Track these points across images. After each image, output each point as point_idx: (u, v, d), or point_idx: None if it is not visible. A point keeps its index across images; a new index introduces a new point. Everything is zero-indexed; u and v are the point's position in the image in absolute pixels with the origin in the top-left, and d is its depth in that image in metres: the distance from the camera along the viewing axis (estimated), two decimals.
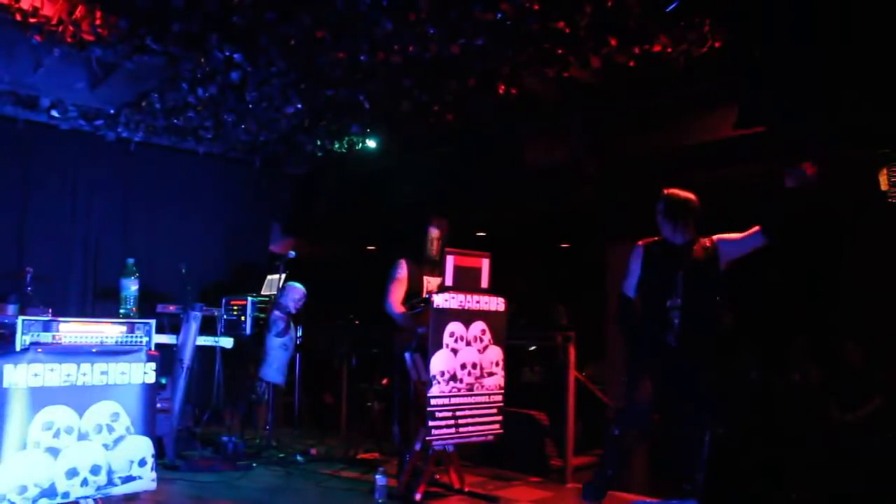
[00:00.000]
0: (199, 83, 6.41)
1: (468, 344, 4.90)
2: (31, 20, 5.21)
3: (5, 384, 3.99)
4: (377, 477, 4.87)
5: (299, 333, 7.16)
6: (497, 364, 5.09)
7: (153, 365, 4.49)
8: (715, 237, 4.58)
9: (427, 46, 5.54)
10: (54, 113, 7.36)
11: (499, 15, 5.11)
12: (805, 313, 7.02)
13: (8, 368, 4.01)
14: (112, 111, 7.41)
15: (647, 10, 5.06)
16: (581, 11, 5.05)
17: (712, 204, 4.56)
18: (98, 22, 5.35)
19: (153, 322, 4.65)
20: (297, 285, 6.86)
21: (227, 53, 5.76)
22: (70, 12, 5.23)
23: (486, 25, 5.25)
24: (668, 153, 6.53)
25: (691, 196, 4.64)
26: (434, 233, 5.45)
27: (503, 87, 6.21)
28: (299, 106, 6.79)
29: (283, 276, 6.43)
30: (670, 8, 4.99)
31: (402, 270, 5.34)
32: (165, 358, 5.39)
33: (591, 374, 6.91)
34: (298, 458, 6.21)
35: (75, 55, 5.88)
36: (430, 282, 5.35)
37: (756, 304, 6.96)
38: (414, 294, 5.29)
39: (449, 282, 4.85)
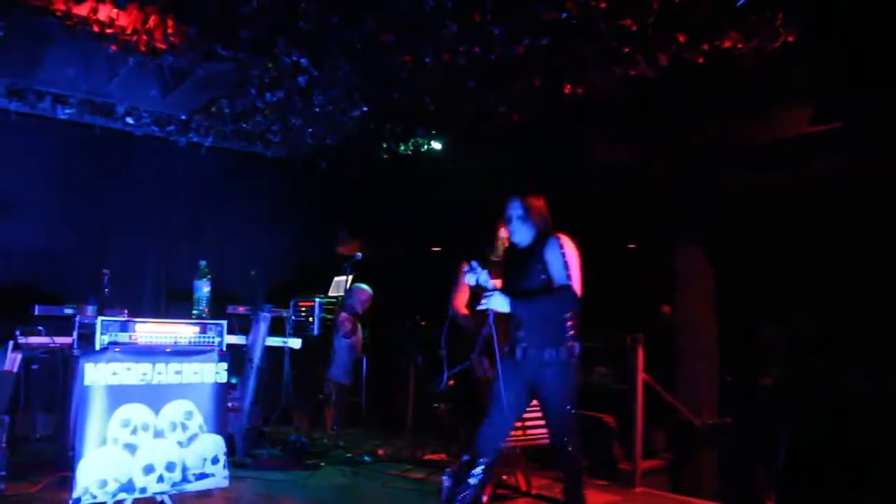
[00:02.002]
0: (266, 88, 6.51)
1: None
2: (108, 31, 5.37)
3: (87, 382, 4.13)
4: (444, 478, 4.87)
5: (366, 334, 7.22)
6: None
7: (225, 365, 4.59)
8: None
9: (492, 47, 5.52)
10: (129, 120, 7.58)
11: (564, 14, 5.06)
12: None
13: (89, 367, 4.14)
14: (183, 117, 7.61)
15: (717, 6, 4.95)
16: (649, 9, 4.96)
17: (789, 201, 4.44)
18: (170, 31, 5.48)
19: (225, 323, 4.74)
20: (364, 286, 6.92)
21: (294, 58, 5.84)
22: (144, 22, 5.37)
23: (551, 25, 5.20)
24: (740, 151, 6.37)
25: None
26: (502, 234, 5.42)
27: (569, 86, 6.15)
28: (365, 109, 6.85)
29: (350, 277, 6.48)
30: (741, 2, 4.86)
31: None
32: (235, 358, 5.50)
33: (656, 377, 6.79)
34: (366, 458, 6.26)
35: (148, 64, 6.05)
36: (496, 284, 5.31)
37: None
38: (480, 296, 5.27)
39: None
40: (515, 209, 4.09)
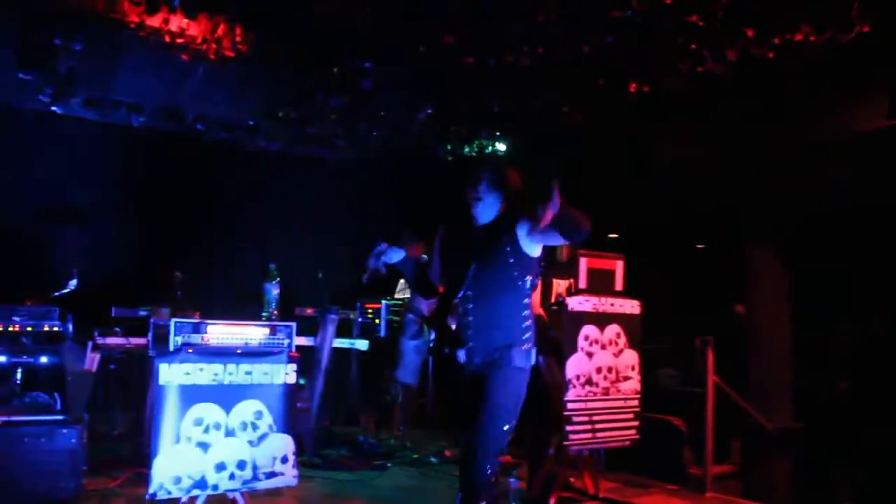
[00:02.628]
0: (331, 92, 6.60)
1: (603, 347, 4.82)
2: (179, 41, 5.52)
3: (161, 381, 4.24)
4: (510, 480, 4.85)
5: (433, 336, 7.24)
6: (633, 368, 4.99)
7: (294, 366, 4.64)
8: None
9: (556, 47, 5.49)
10: (199, 126, 7.78)
11: (629, 12, 5.00)
12: None
13: (163, 367, 4.25)
14: (251, 122, 7.76)
15: None
16: (716, 3, 4.87)
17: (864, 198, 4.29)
18: (238, 39, 5.61)
19: (294, 325, 4.81)
20: None
21: (359, 63, 5.90)
22: (213, 31, 5.50)
23: (616, 23, 5.14)
24: (813, 147, 6.19)
25: None
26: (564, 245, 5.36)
27: (635, 84, 6.07)
28: (429, 111, 6.88)
29: None
30: None
31: None
32: (303, 359, 5.58)
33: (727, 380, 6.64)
34: (432, 459, 6.27)
35: (217, 71, 6.19)
36: (560, 284, 5.28)
37: None
38: (543, 297, 5.24)
39: (582, 284, 4.79)
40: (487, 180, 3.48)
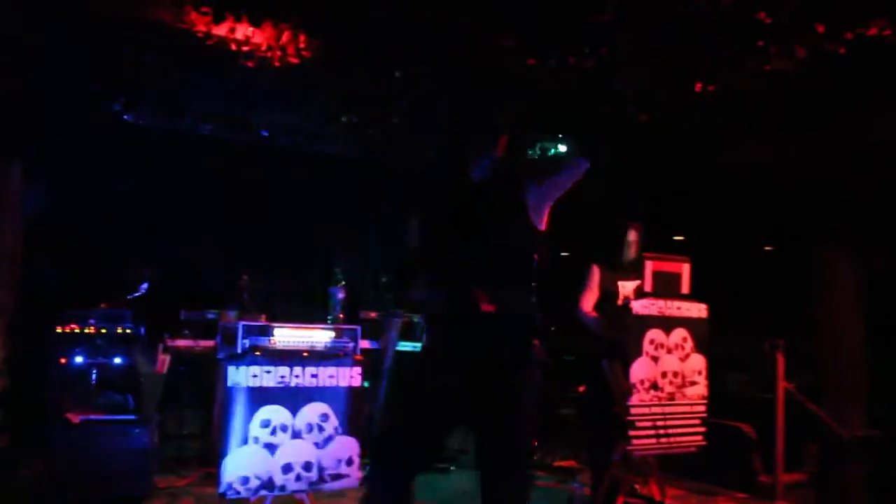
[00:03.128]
0: (393, 97, 6.64)
1: (669, 352, 4.75)
2: (244, 49, 5.63)
3: (229, 383, 4.33)
4: (574, 485, 4.83)
5: None
6: (700, 373, 4.89)
7: (359, 369, 4.69)
8: None
9: (619, 48, 5.43)
10: (263, 133, 7.92)
11: (693, 10, 4.91)
12: None
13: (231, 369, 4.34)
14: (313, 128, 7.86)
15: None
16: None
17: None
18: (302, 46, 5.68)
19: (359, 328, 4.85)
20: None
21: (421, 66, 5.92)
22: (277, 38, 5.59)
23: (679, 22, 5.06)
24: (885, 145, 6.00)
25: None
26: (632, 237, 5.30)
27: (700, 84, 5.96)
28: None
29: None
30: None
31: (595, 276, 5.24)
32: (366, 362, 5.63)
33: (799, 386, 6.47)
34: None
35: (281, 78, 6.29)
36: (625, 286, 5.21)
37: None
38: (607, 299, 5.19)
39: (648, 287, 4.72)
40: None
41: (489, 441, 2.74)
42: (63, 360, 4.94)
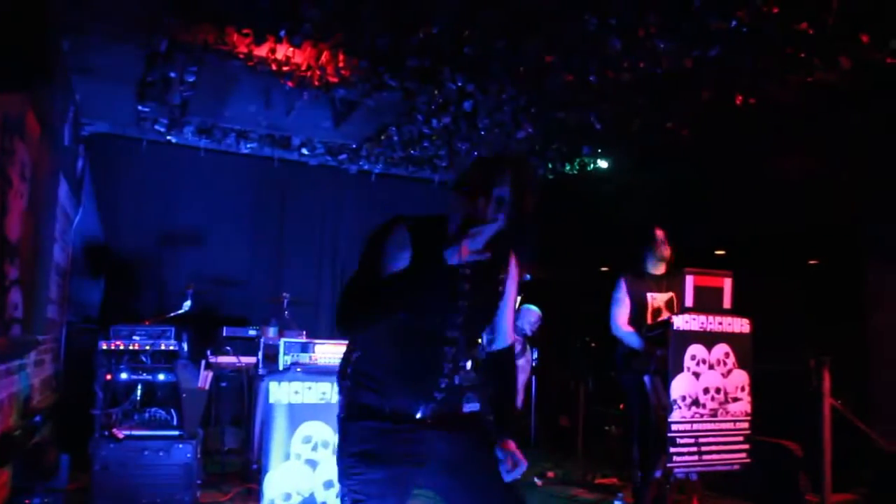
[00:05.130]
0: (433, 114, 6.68)
1: (711, 367, 4.68)
2: (285, 69, 5.72)
3: (271, 400, 4.37)
4: (616, 503, 4.76)
5: (535, 356, 7.19)
6: (743, 389, 4.81)
7: None
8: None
9: (658, 62, 5.40)
10: (304, 151, 8.03)
11: (734, 23, 4.86)
12: None
13: (273, 386, 4.38)
14: (354, 146, 7.95)
15: None
16: (827, 9, 4.67)
17: None
18: (341, 64, 5.75)
19: None
20: (533, 308, 6.90)
21: (460, 84, 5.95)
22: (317, 58, 5.66)
23: (720, 35, 5.02)
24: None
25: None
26: (659, 234, 5.21)
27: (740, 97, 5.90)
28: (530, 130, 6.87)
29: (519, 298, 6.49)
30: None
31: (622, 289, 5.18)
32: None
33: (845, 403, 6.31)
34: (535, 480, 6.21)
35: (321, 97, 6.37)
36: (655, 298, 5.15)
37: None
38: (637, 310, 5.12)
39: (689, 302, 4.67)
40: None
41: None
42: (108, 377, 5.02)
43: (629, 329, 5.06)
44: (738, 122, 6.36)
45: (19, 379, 4.36)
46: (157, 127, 7.35)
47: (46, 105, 4.60)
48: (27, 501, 4.29)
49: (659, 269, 5.20)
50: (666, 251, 5.15)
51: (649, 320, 5.06)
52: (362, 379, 2.49)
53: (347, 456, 2.43)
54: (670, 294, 5.08)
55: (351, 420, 2.48)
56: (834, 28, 4.83)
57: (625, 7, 4.84)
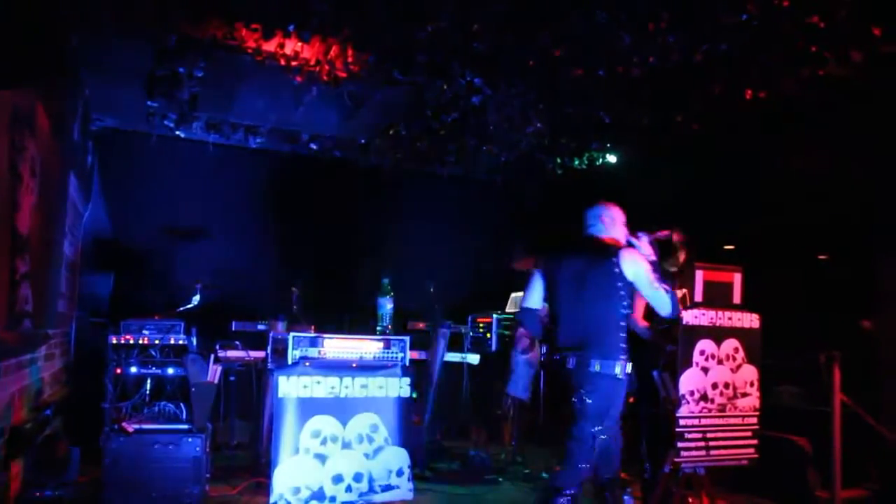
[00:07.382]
0: (442, 109, 6.67)
1: (720, 362, 4.66)
2: (293, 63, 5.71)
3: (280, 394, 4.38)
4: (625, 498, 4.75)
5: (544, 350, 7.19)
6: (752, 384, 4.79)
7: (408, 380, 4.71)
8: None
9: (668, 56, 5.37)
10: (313, 146, 8.03)
11: (744, 16, 4.84)
12: None
13: (282, 380, 4.39)
14: (363, 141, 7.94)
15: None
16: (838, 2, 4.64)
17: None
18: (350, 60, 5.74)
19: (408, 339, 4.86)
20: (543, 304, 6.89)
21: (469, 79, 5.94)
22: (326, 53, 5.65)
23: (730, 29, 4.99)
24: None
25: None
26: (676, 238, 5.21)
27: (750, 91, 5.87)
28: (539, 125, 6.85)
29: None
30: None
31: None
32: (415, 373, 5.64)
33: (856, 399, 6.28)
34: (544, 474, 6.20)
35: (330, 92, 6.36)
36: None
37: None
38: (650, 309, 5.11)
39: (698, 297, 4.65)
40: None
41: None
42: (118, 370, 5.04)
43: (644, 324, 5.05)
44: (748, 117, 6.33)
45: (30, 373, 4.38)
46: (166, 122, 7.36)
47: (56, 100, 4.61)
48: (38, 494, 4.32)
49: (678, 262, 5.21)
50: (682, 256, 5.16)
51: None
52: None
53: None
54: (684, 290, 5.07)
55: None
56: (845, 21, 4.80)
57: (634, 1, 4.82)
